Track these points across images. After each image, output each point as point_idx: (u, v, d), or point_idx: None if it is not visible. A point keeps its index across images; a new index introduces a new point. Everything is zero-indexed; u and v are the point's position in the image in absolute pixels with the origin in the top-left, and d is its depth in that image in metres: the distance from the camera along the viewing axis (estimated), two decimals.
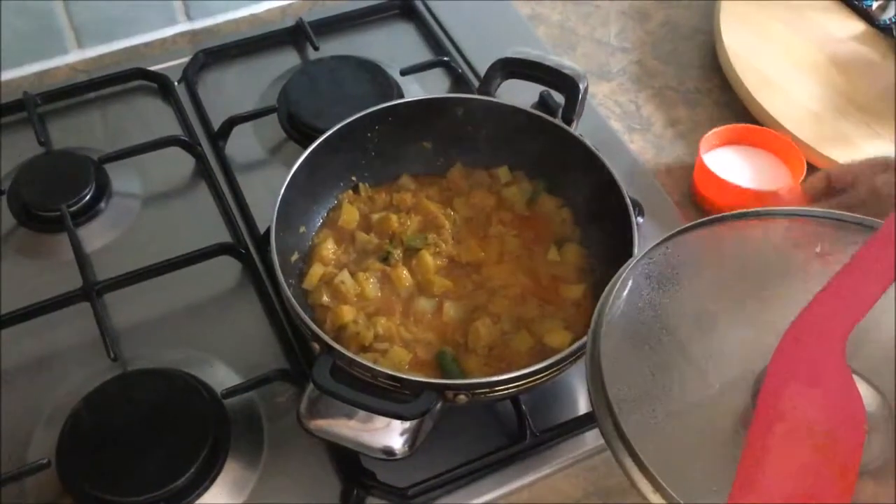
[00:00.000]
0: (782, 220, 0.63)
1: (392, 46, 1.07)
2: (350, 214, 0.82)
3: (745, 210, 0.62)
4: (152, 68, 1.02)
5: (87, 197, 0.89)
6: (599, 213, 0.78)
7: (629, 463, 0.50)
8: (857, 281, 0.52)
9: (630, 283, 0.59)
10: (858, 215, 0.60)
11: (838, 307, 0.52)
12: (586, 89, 0.81)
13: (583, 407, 0.76)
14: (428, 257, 0.78)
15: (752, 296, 0.60)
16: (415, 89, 1.00)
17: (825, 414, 0.49)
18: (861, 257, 0.53)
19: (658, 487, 0.48)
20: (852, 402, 0.50)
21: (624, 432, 0.50)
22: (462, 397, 0.65)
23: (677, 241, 0.60)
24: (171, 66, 1.03)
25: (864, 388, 0.52)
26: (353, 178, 0.84)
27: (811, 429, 0.49)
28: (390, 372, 0.65)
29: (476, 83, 0.99)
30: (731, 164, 0.90)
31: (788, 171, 0.89)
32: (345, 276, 0.76)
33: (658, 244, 0.60)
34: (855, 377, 0.51)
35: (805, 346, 0.51)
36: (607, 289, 0.58)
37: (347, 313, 0.74)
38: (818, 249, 0.59)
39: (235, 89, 1.02)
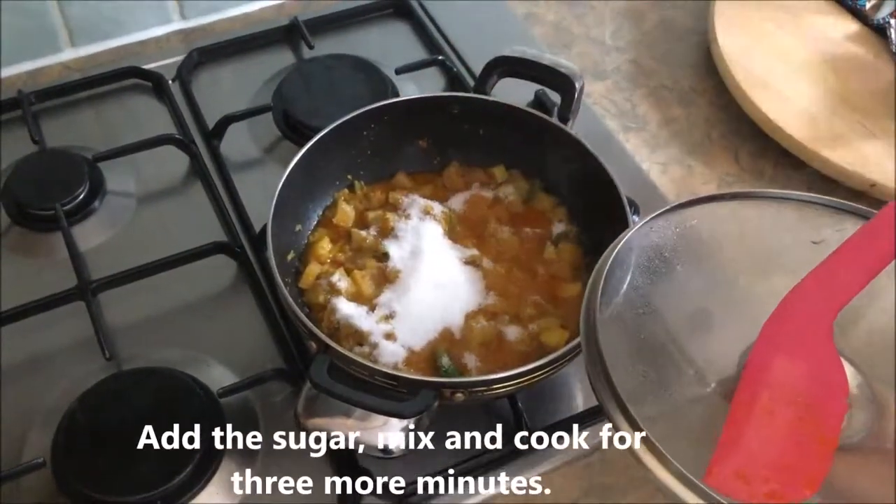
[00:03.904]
0: (774, 203, 0.64)
1: (387, 45, 1.07)
2: (346, 213, 0.81)
3: (737, 191, 0.64)
4: (146, 67, 1.02)
5: (82, 196, 0.88)
6: (596, 211, 0.78)
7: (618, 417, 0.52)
8: (847, 266, 0.55)
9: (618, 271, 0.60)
10: (854, 203, 0.61)
11: (828, 288, 0.54)
12: (582, 88, 0.81)
13: (580, 405, 0.76)
14: None
15: (743, 285, 0.62)
16: (410, 88, 1.00)
17: (809, 386, 0.52)
18: (853, 244, 0.55)
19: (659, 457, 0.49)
20: (836, 376, 0.52)
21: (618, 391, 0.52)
22: (459, 395, 0.65)
23: (668, 219, 0.62)
24: (165, 64, 1.03)
25: (849, 370, 0.54)
26: (349, 177, 0.84)
27: (795, 399, 0.51)
28: (387, 370, 0.65)
29: (471, 82, 0.99)
30: None
31: None
32: (341, 274, 0.76)
33: (649, 220, 0.62)
34: (842, 359, 0.53)
35: (794, 321, 0.53)
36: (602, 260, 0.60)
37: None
38: (815, 240, 0.60)
39: (230, 88, 1.02)
